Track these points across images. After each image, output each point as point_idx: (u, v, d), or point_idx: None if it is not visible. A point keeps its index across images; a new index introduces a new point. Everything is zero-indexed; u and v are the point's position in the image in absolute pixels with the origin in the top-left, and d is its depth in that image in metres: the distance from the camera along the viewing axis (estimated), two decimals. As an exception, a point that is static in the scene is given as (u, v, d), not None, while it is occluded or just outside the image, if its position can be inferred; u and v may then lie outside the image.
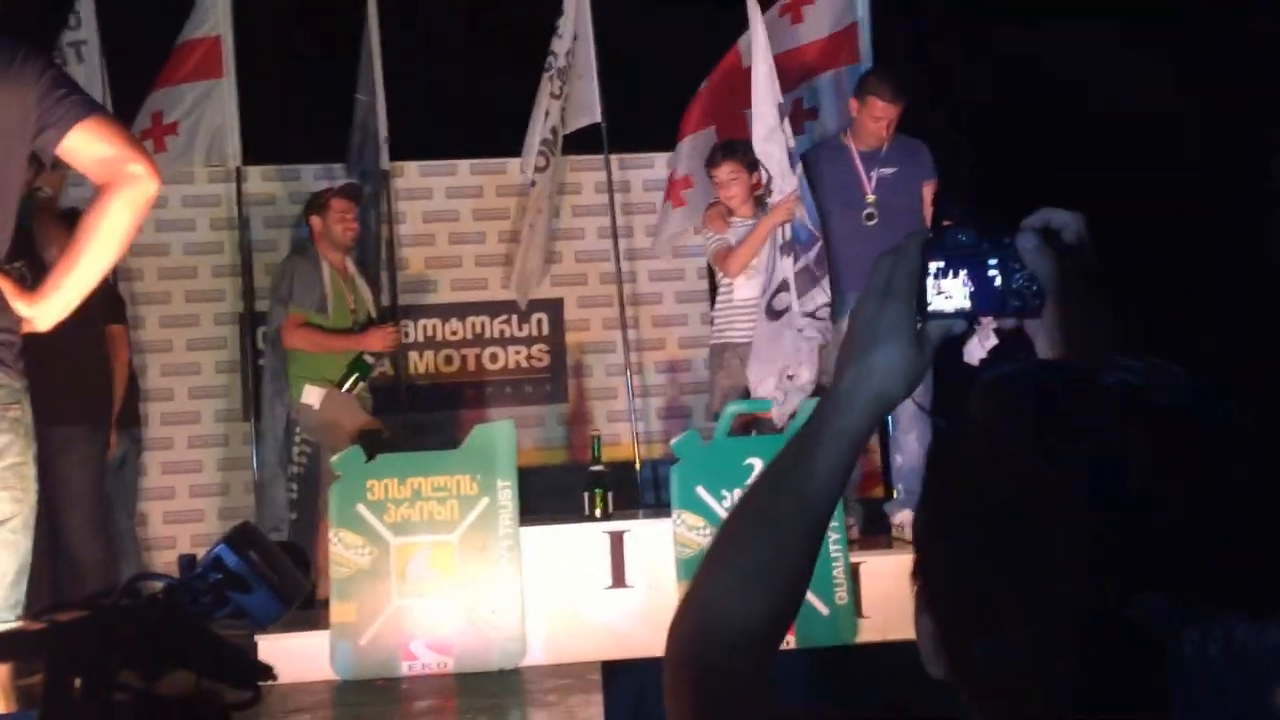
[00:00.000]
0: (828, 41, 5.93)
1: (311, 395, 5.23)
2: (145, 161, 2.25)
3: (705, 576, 1.02)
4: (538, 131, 6.11)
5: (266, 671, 1.07)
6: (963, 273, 0.97)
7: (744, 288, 5.18)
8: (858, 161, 5.10)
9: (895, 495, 5.31)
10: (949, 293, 0.97)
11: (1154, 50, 6.00)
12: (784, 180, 4.97)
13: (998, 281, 0.97)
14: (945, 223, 0.99)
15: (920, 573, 0.80)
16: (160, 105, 6.08)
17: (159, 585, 1.06)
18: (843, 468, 0.98)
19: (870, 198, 5.06)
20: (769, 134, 5.01)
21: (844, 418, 0.98)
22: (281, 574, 1.10)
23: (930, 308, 0.97)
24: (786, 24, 6.04)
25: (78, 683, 0.95)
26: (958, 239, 0.97)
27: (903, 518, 5.08)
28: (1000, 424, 0.77)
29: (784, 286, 5.00)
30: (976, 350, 4.72)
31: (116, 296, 5.40)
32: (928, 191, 5.16)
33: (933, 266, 0.97)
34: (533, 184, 6.17)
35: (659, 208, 6.43)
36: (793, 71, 5.83)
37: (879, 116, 5.02)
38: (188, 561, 1.10)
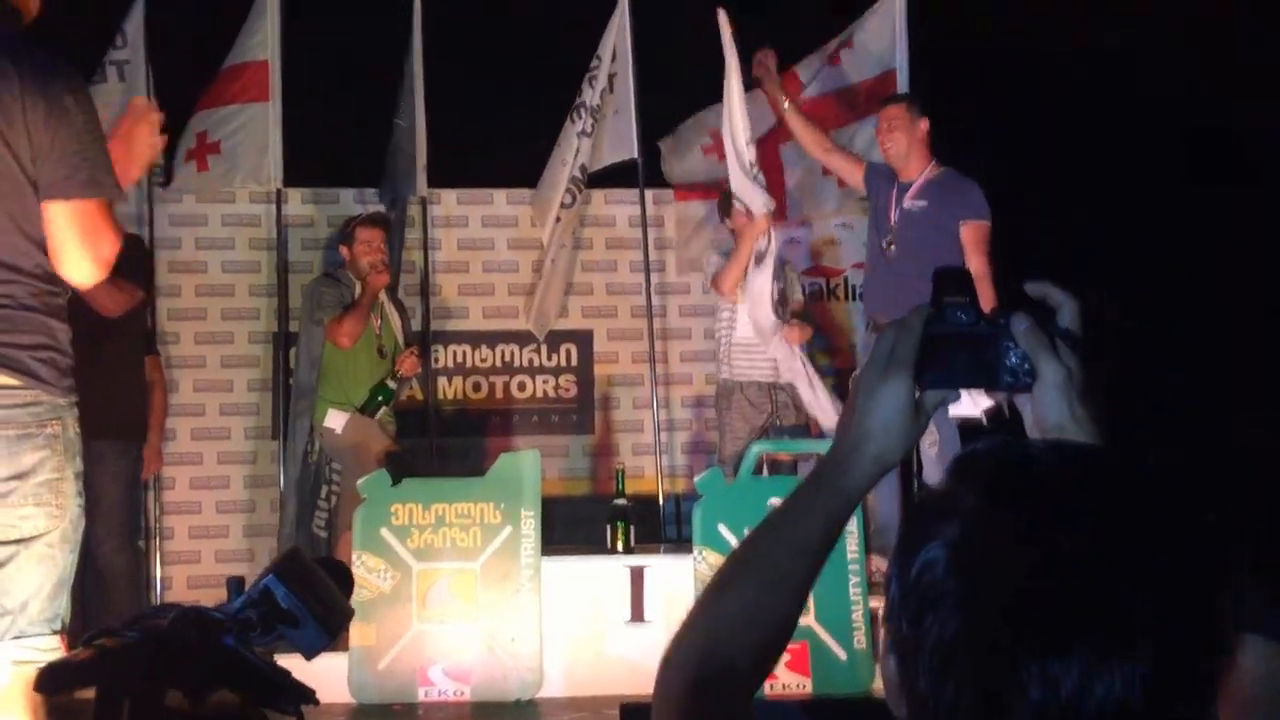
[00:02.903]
0: (867, 86, 5.97)
1: (334, 419, 5.31)
2: (99, 268, 2.28)
3: (699, 615, 1.09)
4: (560, 171, 6.17)
5: (309, 695, 1.09)
6: (960, 348, 1.04)
7: (742, 327, 5.33)
8: (894, 190, 5.07)
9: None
10: (946, 366, 1.04)
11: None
12: (759, 207, 5.23)
13: (992, 358, 1.04)
14: (946, 300, 1.05)
15: (887, 617, 0.86)
16: (205, 125, 6.17)
17: (207, 617, 1.08)
18: (838, 523, 1.06)
19: (891, 226, 5.03)
20: (744, 172, 5.23)
21: (843, 478, 1.05)
22: (327, 604, 1.12)
23: (927, 378, 1.04)
24: (827, 68, 6.10)
25: (126, 706, 0.97)
26: (957, 316, 1.05)
27: (876, 564, 5.06)
28: (955, 493, 0.84)
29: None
30: (967, 407, 4.71)
31: (150, 329, 5.58)
32: (966, 231, 4.88)
33: (933, 340, 1.04)
34: (558, 219, 6.23)
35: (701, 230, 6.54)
36: (830, 117, 5.87)
37: (884, 120, 5.09)
38: (235, 585, 1.12)
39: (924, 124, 5.03)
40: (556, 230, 6.24)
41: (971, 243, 4.87)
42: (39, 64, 2.20)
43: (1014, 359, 1.04)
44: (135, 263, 5.17)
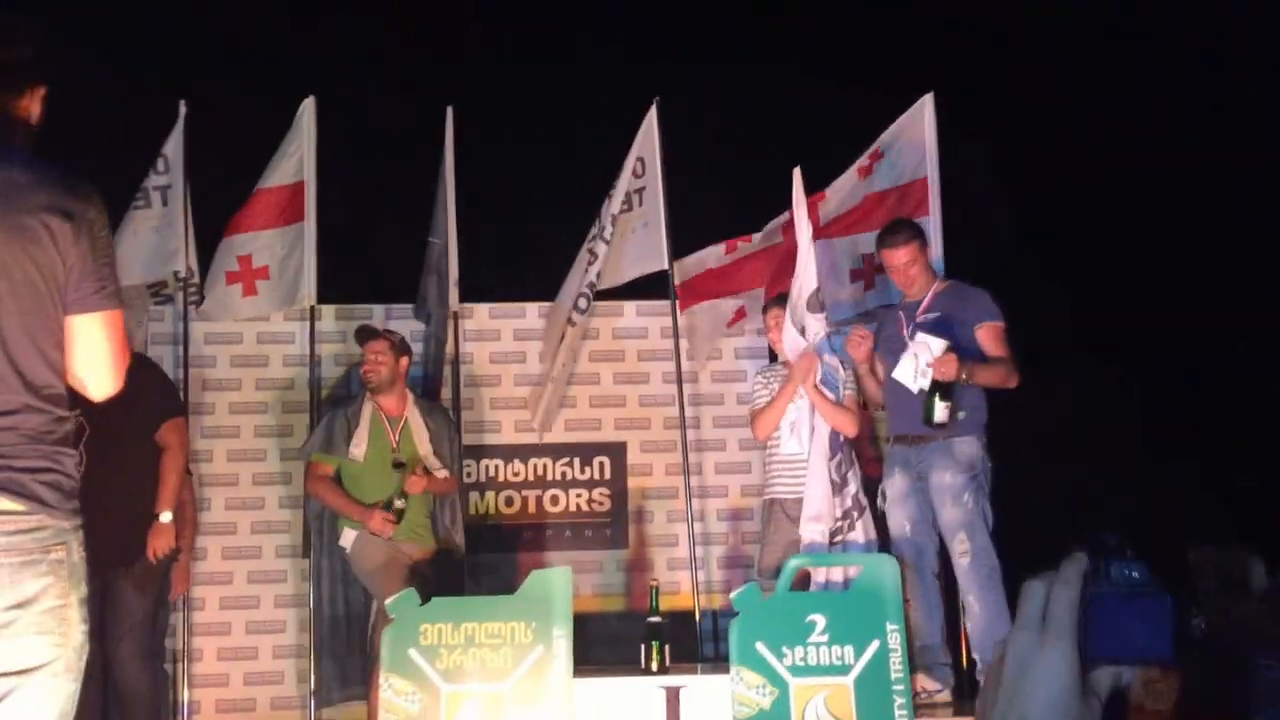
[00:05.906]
0: (894, 194, 5.97)
1: (346, 538, 5.34)
2: (120, 378, 2.32)
3: None
4: (578, 280, 6.24)
5: None
6: (1131, 610, 0.84)
7: (788, 443, 5.20)
8: (902, 315, 5.22)
9: (979, 663, 5.02)
10: (1116, 633, 0.84)
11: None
12: (796, 345, 5.18)
13: (1171, 623, 0.85)
14: (1108, 555, 0.87)
15: None
16: (248, 249, 6.24)
17: None
18: None
19: (908, 340, 5.09)
20: (796, 305, 5.21)
21: None
22: None
23: (1095, 651, 0.85)
24: (857, 179, 6.11)
25: None
26: (1127, 574, 0.86)
27: (922, 683, 4.86)
28: None
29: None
30: (908, 372, 4.75)
31: (166, 389, 5.21)
32: (983, 334, 5.02)
33: (1095, 601, 0.85)
34: (572, 323, 6.23)
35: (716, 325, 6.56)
36: (858, 225, 5.87)
37: (889, 265, 5.25)
38: None
39: (914, 247, 5.19)
40: (568, 335, 6.25)
41: (991, 343, 5.02)
42: (60, 180, 2.21)
43: (1201, 625, 0.88)
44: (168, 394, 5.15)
